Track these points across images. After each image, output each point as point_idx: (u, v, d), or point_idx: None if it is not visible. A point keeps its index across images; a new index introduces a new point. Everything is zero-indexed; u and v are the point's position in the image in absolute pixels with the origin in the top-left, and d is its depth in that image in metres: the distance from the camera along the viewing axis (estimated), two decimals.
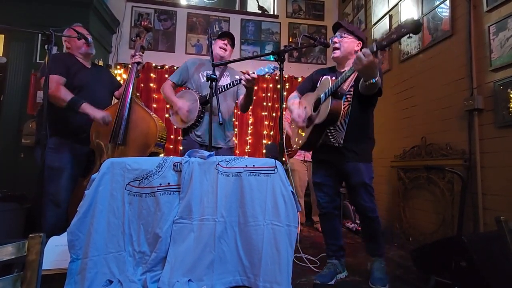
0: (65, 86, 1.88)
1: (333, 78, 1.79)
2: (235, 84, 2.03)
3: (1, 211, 2.18)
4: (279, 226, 1.36)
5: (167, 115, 3.89)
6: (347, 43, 1.78)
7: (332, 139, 1.73)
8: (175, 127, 2.22)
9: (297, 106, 1.86)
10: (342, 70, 1.82)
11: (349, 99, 1.70)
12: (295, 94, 1.98)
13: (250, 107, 2.24)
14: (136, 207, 1.39)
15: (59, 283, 1.23)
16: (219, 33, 2.27)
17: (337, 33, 1.83)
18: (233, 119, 2.22)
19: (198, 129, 2.10)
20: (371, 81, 1.47)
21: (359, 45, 1.81)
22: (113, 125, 1.92)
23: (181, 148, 3.80)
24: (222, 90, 2.02)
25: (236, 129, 4.09)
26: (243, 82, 1.91)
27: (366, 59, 1.38)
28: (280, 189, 1.39)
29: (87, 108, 1.84)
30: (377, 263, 1.76)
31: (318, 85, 1.86)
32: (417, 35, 2.81)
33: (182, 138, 2.24)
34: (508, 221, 1.37)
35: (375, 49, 1.36)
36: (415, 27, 1.24)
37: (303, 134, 1.83)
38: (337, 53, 1.80)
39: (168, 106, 2.23)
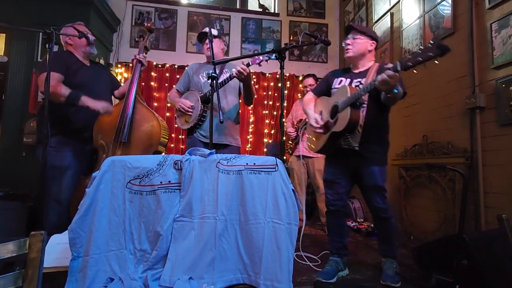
0: (65, 84, 1.88)
1: (348, 80, 1.81)
2: (228, 80, 2.03)
3: (4, 209, 2.19)
4: (280, 224, 1.36)
5: (168, 114, 3.90)
6: (360, 44, 1.79)
7: (348, 143, 1.73)
8: (181, 128, 2.23)
9: (313, 110, 1.87)
10: (357, 71, 1.83)
11: (364, 104, 1.71)
12: (311, 94, 1.99)
13: (253, 99, 2.25)
14: (137, 205, 1.39)
15: (60, 281, 1.23)
16: (197, 37, 2.27)
17: (349, 35, 1.83)
18: (235, 116, 2.23)
19: (202, 128, 2.11)
20: (394, 91, 1.51)
21: (372, 44, 1.81)
22: (117, 123, 1.93)
23: (182, 146, 3.87)
24: (220, 86, 2.01)
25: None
26: (234, 75, 1.91)
27: (393, 81, 1.41)
28: (281, 187, 1.39)
29: (86, 100, 1.84)
30: (389, 263, 1.77)
31: (333, 88, 1.85)
32: (419, 33, 2.80)
33: (186, 137, 2.26)
34: (510, 219, 1.37)
35: (399, 68, 1.39)
36: (442, 52, 1.26)
37: (319, 139, 1.84)
38: (350, 53, 1.81)
39: (175, 109, 2.25)
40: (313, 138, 1.93)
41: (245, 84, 2.05)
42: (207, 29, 2.13)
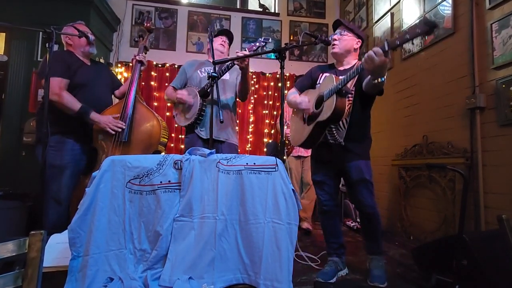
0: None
1: (334, 76, 1.80)
2: (226, 69, 2.01)
3: (4, 209, 2.19)
4: (280, 224, 1.35)
5: (168, 114, 3.90)
6: (346, 41, 1.80)
7: (333, 138, 1.73)
8: (181, 125, 2.22)
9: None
10: (341, 68, 1.84)
11: (350, 98, 1.71)
12: (293, 90, 1.98)
13: (248, 94, 2.26)
14: (137, 205, 1.39)
15: (60, 281, 1.23)
16: (218, 30, 2.29)
17: (337, 31, 1.84)
18: (233, 113, 2.27)
19: (201, 124, 2.11)
20: (379, 79, 1.46)
21: (358, 43, 1.82)
22: None
23: (182, 146, 3.87)
24: (220, 74, 2.00)
25: (237, 128, 4.09)
26: (235, 62, 1.89)
27: (378, 58, 1.37)
28: (281, 187, 1.39)
29: (95, 117, 1.91)
30: (376, 261, 1.76)
31: (319, 82, 1.85)
32: None
33: (184, 136, 2.25)
34: (509, 219, 1.37)
35: (386, 48, 1.35)
36: (429, 28, 1.24)
37: (303, 131, 1.82)
38: (336, 49, 1.82)
39: (172, 105, 2.25)
40: (297, 131, 1.90)
41: (243, 73, 2.03)
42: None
